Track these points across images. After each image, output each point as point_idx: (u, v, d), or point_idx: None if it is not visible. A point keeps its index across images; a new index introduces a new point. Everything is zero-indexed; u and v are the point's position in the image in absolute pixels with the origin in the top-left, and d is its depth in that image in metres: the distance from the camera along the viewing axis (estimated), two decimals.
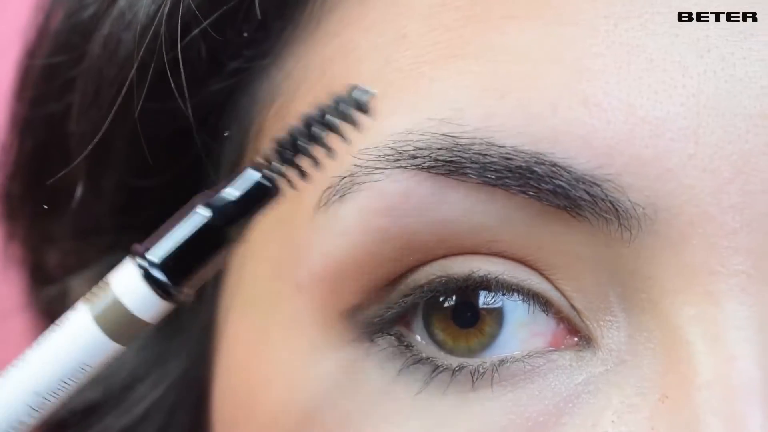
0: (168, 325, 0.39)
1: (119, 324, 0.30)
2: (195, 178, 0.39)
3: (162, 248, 0.30)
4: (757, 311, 0.31)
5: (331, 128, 0.30)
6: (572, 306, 0.33)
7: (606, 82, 0.32)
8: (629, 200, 0.31)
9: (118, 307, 0.30)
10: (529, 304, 0.33)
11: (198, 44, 0.36)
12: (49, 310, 0.45)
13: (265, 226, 0.36)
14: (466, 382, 0.33)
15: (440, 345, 0.33)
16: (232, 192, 0.30)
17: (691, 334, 0.31)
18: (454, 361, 0.33)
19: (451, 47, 0.33)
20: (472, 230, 0.32)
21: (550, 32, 0.32)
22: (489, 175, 0.32)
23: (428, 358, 0.33)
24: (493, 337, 0.33)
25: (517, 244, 0.33)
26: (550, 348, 0.33)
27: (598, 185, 0.31)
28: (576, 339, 0.33)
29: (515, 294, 0.33)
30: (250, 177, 0.30)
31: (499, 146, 0.32)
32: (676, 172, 0.31)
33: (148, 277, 0.30)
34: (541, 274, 0.33)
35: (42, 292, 0.45)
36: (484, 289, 0.33)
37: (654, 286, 0.32)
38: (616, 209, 0.32)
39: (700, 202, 0.31)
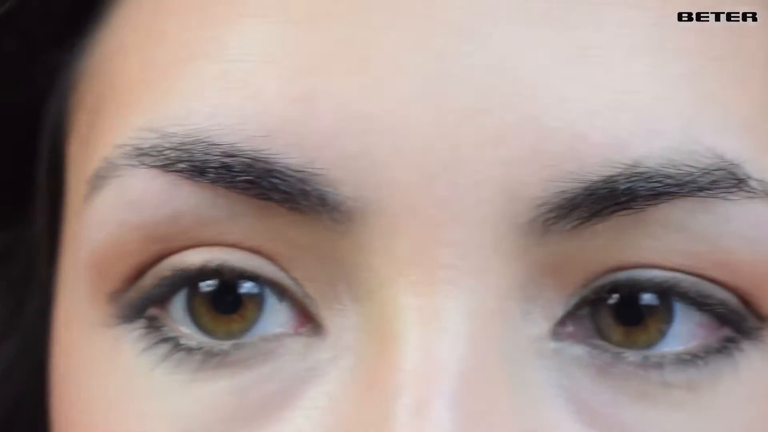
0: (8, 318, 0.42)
1: None
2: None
3: None
4: (464, 303, 0.32)
5: None
6: (306, 293, 0.34)
7: (319, 78, 0.32)
8: (340, 194, 0.32)
9: None
10: (263, 291, 0.34)
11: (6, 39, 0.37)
12: None
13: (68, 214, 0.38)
14: (196, 362, 0.34)
15: (202, 329, 0.34)
16: None
17: (400, 325, 0.32)
18: (196, 341, 0.34)
19: (195, 46, 0.34)
20: (203, 223, 0.33)
21: (276, 30, 0.33)
22: (209, 175, 0.33)
23: (172, 338, 0.34)
24: (254, 322, 0.34)
25: (246, 236, 0.33)
26: (284, 332, 0.34)
27: (309, 180, 0.32)
28: (311, 325, 0.34)
29: (250, 281, 0.34)
30: None
31: (218, 145, 0.32)
32: (383, 166, 0.32)
33: None
34: (275, 263, 0.34)
35: None
36: (217, 277, 0.34)
37: (372, 277, 0.33)
38: (327, 203, 0.32)
39: (407, 196, 0.32)
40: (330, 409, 0.33)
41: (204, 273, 0.34)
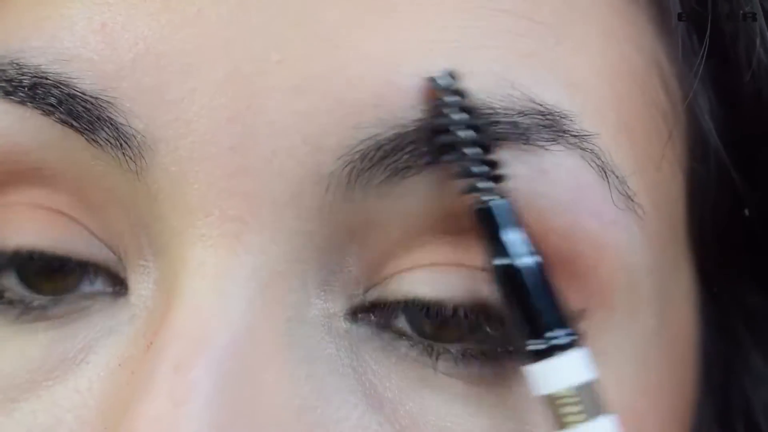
0: None
1: None
2: None
3: None
4: (249, 262, 0.31)
5: (460, 124, 0.32)
6: (116, 253, 0.34)
7: (120, 14, 0.33)
8: (132, 127, 0.32)
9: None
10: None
11: None
12: None
13: None
14: (14, 315, 0.34)
15: (27, 284, 0.35)
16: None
17: (183, 281, 0.32)
18: (18, 294, 0.34)
19: None
20: (18, 151, 0.34)
21: None
22: (19, 94, 0.33)
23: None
24: (79, 279, 0.34)
25: (59, 171, 0.34)
26: (99, 291, 0.34)
27: (103, 108, 0.32)
28: (121, 284, 0.34)
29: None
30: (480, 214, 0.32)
31: (28, 66, 0.33)
32: (175, 105, 0.32)
33: None
34: (88, 230, 0.34)
35: None
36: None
37: (165, 228, 0.32)
38: (118, 133, 0.32)
39: (198, 140, 0.32)
40: (118, 368, 0.33)
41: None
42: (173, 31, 0.32)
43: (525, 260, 0.32)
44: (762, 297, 0.41)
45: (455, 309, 0.33)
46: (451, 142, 0.32)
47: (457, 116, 0.32)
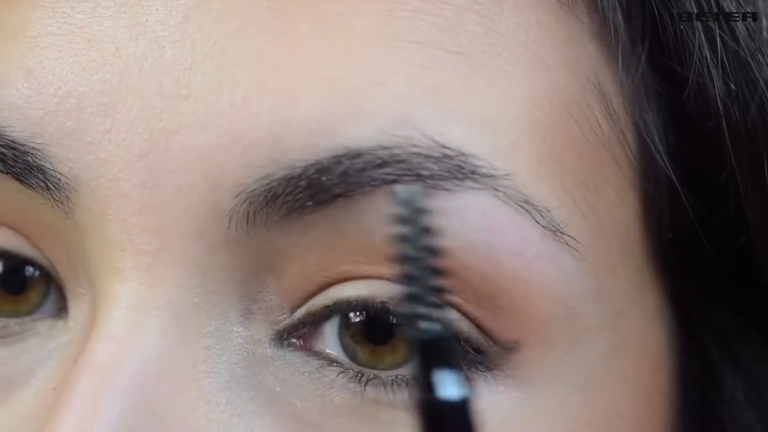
0: None
1: None
2: None
3: None
4: (162, 294, 0.32)
5: (419, 248, 0.30)
6: (59, 275, 0.35)
7: (47, 58, 0.33)
8: (57, 171, 0.33)
9: None
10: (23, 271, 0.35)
11: None
12: None
13: None
14: None
15: None
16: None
17: (102, 312, 0.32)
18: None
19: None
20: None
21: (24, 14, 0.34)
22: None
23: None
24: (40, 304, 0.35)
25: (2, 208, 0.34)
26: (27, 316, 0.35)
27: (30, 153, 0.33)
28: (61, 303, 0.35)
29: (32, 266, 0.35)
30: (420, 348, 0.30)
31: None
32: (93, 146, 0.32)
33: None
34: (33, 244, 0.35)
35: None
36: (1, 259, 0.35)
37: (91, 261, 0.33)
38: (46, 178, 0.33)
39: (114, 177, 0.32)
40: (53, 392, 0.33)
41: None
42: (93, 71, 0.33)
43: (450, 397, 0.29)
44: (733, 316, 0.39)
45: (384, 306, 0.32)
46: (400, 256, 0.30)
47: (410, 232, 0.30)
